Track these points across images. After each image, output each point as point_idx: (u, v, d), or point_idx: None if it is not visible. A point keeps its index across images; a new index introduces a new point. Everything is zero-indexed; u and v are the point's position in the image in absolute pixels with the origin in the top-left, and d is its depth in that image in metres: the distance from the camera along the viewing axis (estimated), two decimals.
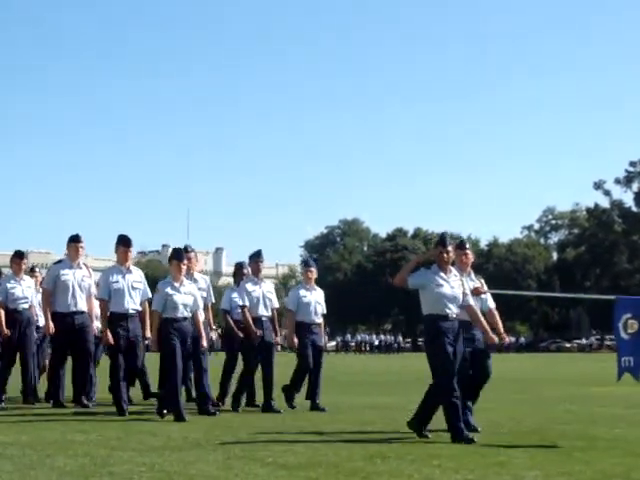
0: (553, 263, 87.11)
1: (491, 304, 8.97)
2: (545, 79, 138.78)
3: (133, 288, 10.30)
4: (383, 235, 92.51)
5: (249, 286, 11.06)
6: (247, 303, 10.94)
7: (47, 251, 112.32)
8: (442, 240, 8.36)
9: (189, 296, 9.89)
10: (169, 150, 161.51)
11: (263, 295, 11.08)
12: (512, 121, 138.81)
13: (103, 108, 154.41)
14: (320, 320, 11.46)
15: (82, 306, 11.04)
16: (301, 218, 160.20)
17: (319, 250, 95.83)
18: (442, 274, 8.16)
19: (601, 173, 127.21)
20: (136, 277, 10.40)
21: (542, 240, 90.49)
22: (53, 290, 11.00)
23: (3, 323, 11.54)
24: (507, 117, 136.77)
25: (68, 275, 11.02)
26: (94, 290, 11.09)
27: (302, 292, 11.41)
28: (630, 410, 11.22)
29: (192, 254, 10.76)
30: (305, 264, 12.36)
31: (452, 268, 8.29)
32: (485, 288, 8.86)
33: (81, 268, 11.19)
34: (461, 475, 5.93)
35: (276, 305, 11.29)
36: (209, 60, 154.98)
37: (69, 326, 10.89)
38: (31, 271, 12.86)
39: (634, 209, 79.55)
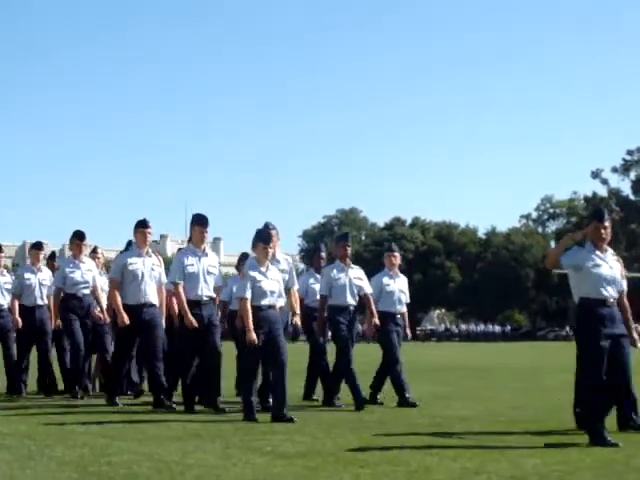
0: None
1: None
2: (543, 68, 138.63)
3: (208, 273, 9.61)
4: (381, 224, 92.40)
5: (334, 273, 10.00)
6: (325, 292, 10.00)
7: (45, 242, 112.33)
8: (598, 213, 7.60)
9: (275, 282, 8.90)
10: (167, 141, 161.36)
11: (350, 282, 10.03)
12: (510, 110, 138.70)
13: (102, 100, 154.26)
14: (404, 310, 10.73)
15: (152, 298, 9.98)
16: (299, 208, 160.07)
17: (317, 240, 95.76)
18: (598, 252, 7.38)
19: (598, 162, 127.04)
20: (212, 261, 9.69)
21: (540, 229, 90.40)
22: (121, 280, 9.95)
23: (16, 313, 11.29)
24: (505, 106, 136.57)
25: (137, 264, 9.95)
26: (164, 279, 10.08)
27: (385, 280, 10.62)
28: None
29: (274, 231, 9.40)
30: (389, 249, 11.06)
31: (608, 247, 7.49)
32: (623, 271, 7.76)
33: (150, 256, 10.11)
34: (459, 464, 5.94)
35: (368, 291, 10.17)
36: (208, 52, 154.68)
37: (138, 320, 9.77)
38: (93, 252, 11.84)
39: (632, 197, 79.57)
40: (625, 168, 79.84)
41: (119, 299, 9.83)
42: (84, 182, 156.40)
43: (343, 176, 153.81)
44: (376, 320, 10.11)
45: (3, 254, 11.50)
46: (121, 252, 10.78)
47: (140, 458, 6.10)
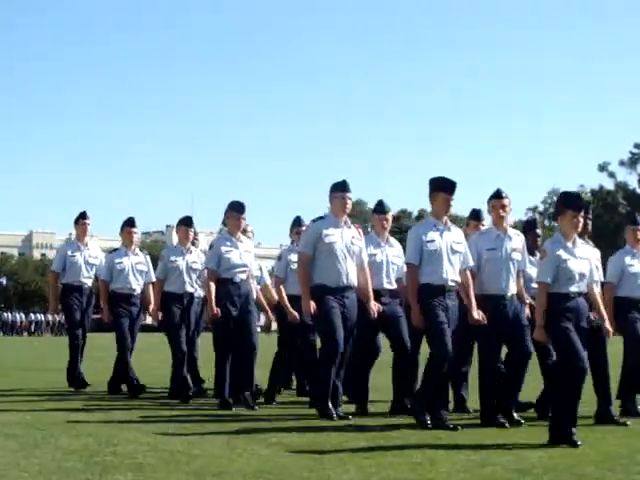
0: None
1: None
2: (549, 61, 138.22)
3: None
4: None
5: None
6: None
7: (52, 231, 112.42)
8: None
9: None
10: (174, 131, 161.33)
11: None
12: (516, 102, 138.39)
13: (108, 91, 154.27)
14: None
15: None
16: (305, 200, 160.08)
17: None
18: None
19: (606, 155, 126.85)
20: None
21: (547, 222, 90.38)
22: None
23: (154, 302, 10.15)
24: (511, 98, 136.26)
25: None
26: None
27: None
28: None
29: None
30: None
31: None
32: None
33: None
34: (464, 456, 5.94)
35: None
36: (214, 46, 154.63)
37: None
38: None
39: (639, 191, 79.50)
40: (632, 161, 79.75)
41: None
42: (92, 173, 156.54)
43: (349, 168, 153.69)
44: None
45: (135, 229, 10.72)
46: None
47: (145, 448, 6.11)
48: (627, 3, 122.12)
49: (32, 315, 62.74)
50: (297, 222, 9.88)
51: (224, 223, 9.42)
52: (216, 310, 8.73)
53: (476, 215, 9.22)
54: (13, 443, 6.35)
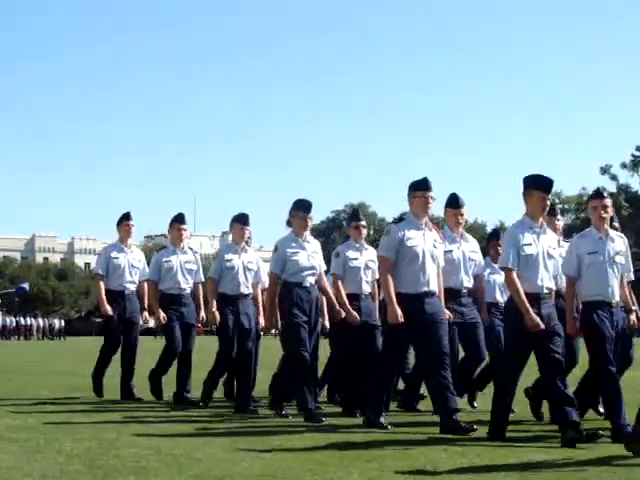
0: None
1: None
2: (550, 61, 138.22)
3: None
4: (389, 219, 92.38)
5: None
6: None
7: (54, 235, 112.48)
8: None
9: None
10: (176, 134, 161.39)
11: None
12: (517, 103, 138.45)
13: (112, 93, 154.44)
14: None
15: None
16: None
17: (325, 235, 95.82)
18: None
19: (608, 157, 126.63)
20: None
21: None
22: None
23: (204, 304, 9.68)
24: (513, 101, 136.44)
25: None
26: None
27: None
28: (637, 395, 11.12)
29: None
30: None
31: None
32: None
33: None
34: (467, 459, 5.93)
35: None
36: (218, 48, 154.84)
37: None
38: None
39: None
40: (634, 164, 79.63)
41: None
42: (93, 176, 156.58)
43: (351, 171, 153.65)
44: None
45: (185, 226, 10.09)
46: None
47: (148, 452, 6.11)
48: (628, 3, 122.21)
49: (22, 319, 62.27)
50: (355, 216, 9.23)
51: (289, 223, 8.92)
52: (273, 321, 8.39)
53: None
54: (16, 447, 6.36)
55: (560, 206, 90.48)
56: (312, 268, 8.38)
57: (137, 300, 10.51)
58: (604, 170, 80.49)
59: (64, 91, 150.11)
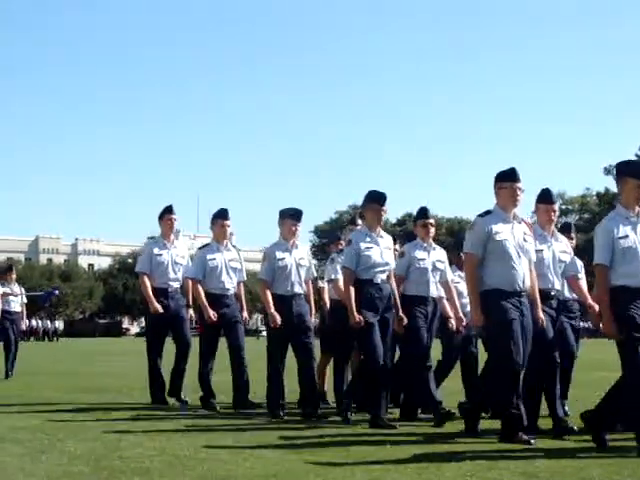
0: None
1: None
2: (557, 64, 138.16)
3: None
4: (393, 220, 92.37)
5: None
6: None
7: (58, 236, 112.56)
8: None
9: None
10: (179, 135, 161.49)
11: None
12: (521, 107, 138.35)
13: (114, 93, 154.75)
14: None
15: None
16: (311, 203, 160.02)
17: (329, 235, 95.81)
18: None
19: (611, 158, 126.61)
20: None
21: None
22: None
23: (270, 306, 8.58)
24: (517, 103, 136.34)
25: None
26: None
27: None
28: None
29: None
30: None
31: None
32: None
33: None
34: (470, 460, 5.90)
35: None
36: (224, 45, 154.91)
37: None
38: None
39: None
40: None
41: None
42: (97, 178, 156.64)
43: (355, 172, 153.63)
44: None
45: (229, 222, 9.57)
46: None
47: (152, 452, 6.12)
48: (628, 3, 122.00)
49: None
50: (423, 213, 8.49)
51: (361, 215, 8.50)
52: (358, 318, 7.61)
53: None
54: (19, 448, 6.36)
55: (564, 207, 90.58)
56: (385, 264, 7.91)
57: (182, 297, 10.02)
58: (608, 170, 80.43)
59: (67, 95, 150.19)
